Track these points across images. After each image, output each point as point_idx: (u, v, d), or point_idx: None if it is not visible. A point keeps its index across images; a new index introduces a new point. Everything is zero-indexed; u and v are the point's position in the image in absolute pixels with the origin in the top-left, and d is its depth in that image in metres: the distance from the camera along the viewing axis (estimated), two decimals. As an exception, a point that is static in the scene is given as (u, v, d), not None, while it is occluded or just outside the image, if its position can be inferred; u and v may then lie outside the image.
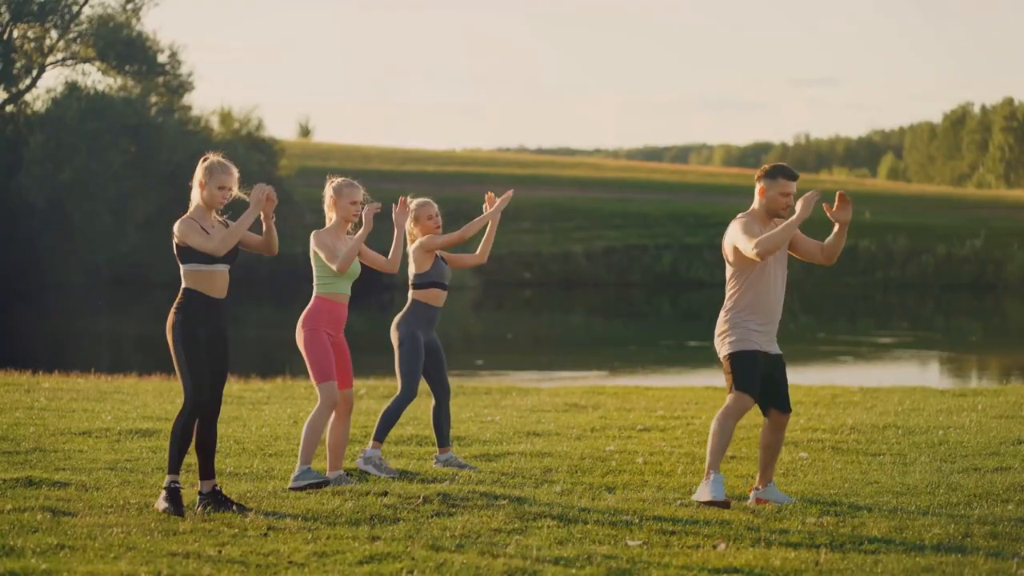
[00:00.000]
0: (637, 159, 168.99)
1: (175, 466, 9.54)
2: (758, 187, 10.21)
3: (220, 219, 9.84)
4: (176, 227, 9.61)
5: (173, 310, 9.64)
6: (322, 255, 10.75)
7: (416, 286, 11.87)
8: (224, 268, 9.72)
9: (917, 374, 31.99)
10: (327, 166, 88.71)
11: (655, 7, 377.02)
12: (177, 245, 9.64)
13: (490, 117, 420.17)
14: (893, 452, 12.68)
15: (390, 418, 11.76)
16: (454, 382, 22.14)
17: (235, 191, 9.78)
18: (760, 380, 9.97)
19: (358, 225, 10.99)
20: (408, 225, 11.85)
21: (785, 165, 10.23)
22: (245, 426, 14.64)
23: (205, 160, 9.76)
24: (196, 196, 9.75)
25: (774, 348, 10.13)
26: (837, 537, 8.68)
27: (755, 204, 10.23)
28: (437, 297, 11.89)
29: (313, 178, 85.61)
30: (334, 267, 10.66)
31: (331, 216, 11.00)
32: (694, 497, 9.84)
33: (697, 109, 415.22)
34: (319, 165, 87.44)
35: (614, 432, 14.45)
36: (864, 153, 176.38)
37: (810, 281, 74.11)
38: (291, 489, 10.45)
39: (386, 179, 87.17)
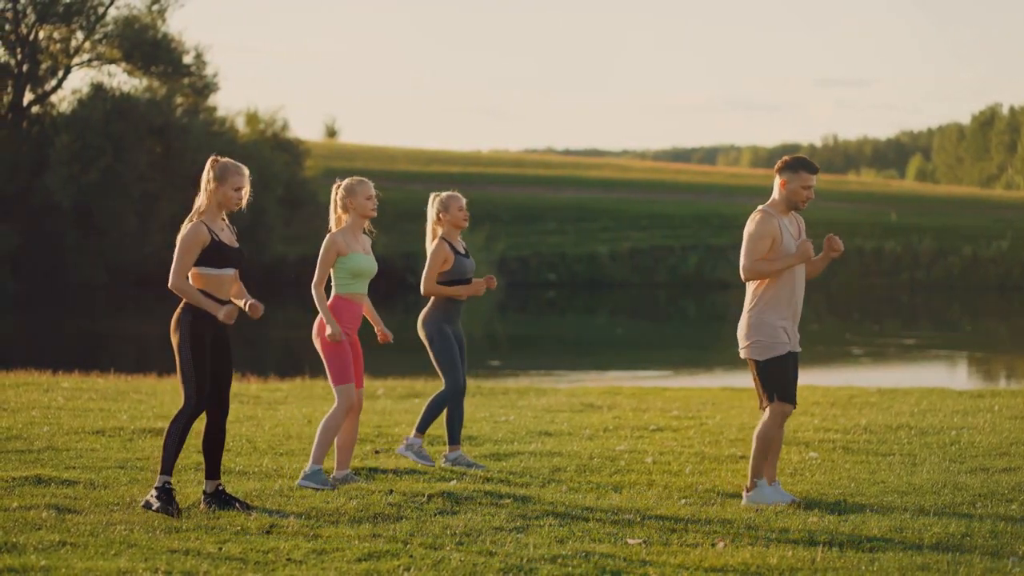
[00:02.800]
0: (665, 160, 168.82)
1: (169, 467, 9.51)
2: (778, 180, 10.20)
3: (228, 224, 9.86)
4: (182, 233, 9.59)
5: (181, 308, 9.61)
6: (330, 267, 10.75)
7: (442, 284, 11.92)
8: (233, 273, 9.71)
9: (939, 375, 31.87)
10: (353, 167, 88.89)
11: (684, 8, 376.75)
12: None
13: (517, 118, 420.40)
14: (903, 452, 12.66)
15: (434, 411, 11.83)
16: (473, 383, 22.20)
17: (248, 190, 9.79)
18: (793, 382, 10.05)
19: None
20: (433, 217, 11.92)
21: (806, 158, 10.21)
22: (259, 425, 14.67)
23: (216, 162, 9.73)
24: (204, 198, 9.69)
25: (797, 346, 10.15)
26: (837, 536, 8.68)
27: (775, 196, 10.24)
28: (460, 292, 11.95)
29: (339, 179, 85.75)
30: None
31: (344, 217, 10.92)
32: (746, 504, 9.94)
33: (725, 110, 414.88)
34: (345, 166, 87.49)
35: (627, 432, 14.45)
36: (892, 154, 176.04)
37: (835, 282, 73.98)
38: (299, 485, 10.47)
39: (412, 180, 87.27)
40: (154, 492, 9.46)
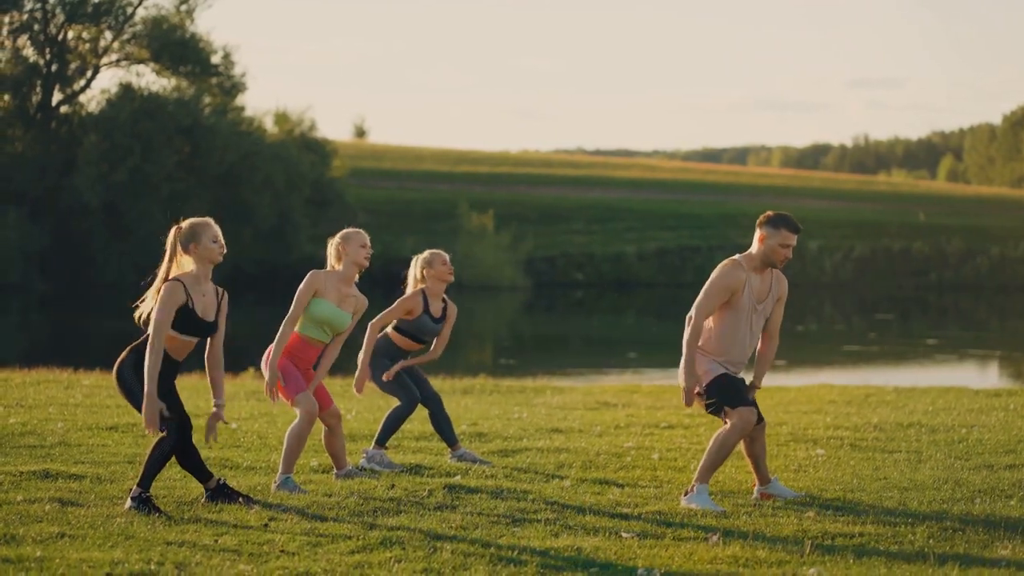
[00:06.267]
0: (695, 161, 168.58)
1: (147, 483, 9.35)
2: (758, 233, 9.88)
3: (215, 288, 9.73)
4: (161, 292, 9.51)
5: (131, 349, 9.50)
6: (303, 305, 10.44)
7: (396, 328, 11.91)
8: (194, 340, 9.60)
9: (960, 375, 31.80)
10: (381, 167, 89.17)
11: (716, 8, 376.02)
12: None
13: (548, 119, 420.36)
14: (910, 449, 12.66)
15: (392, 425, 11.87)
16: (491, 381, 22.27)
17: (222, 239, 9.65)
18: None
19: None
20: (417, 275, 11.89)
21: (789, 216, 9.90)
22: (272, 422, 14.75)
23: (180, 228, 9.68)
24: (186, 262, 9.66)
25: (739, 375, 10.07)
26: (830, 530, 8.71)
27: (753, 249, 9.94)
28: (409, 345, 11.94)
29: (367, 179, 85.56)
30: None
31: (337, 267, 10.66)
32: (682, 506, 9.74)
33: (757, 110, 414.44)
34: (373, 166, 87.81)
35: (637, 429, 14.47)
36: (923, 154, 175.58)
37: (863, 282, 73.87)
38: (274, 491, 10.33)
39: (440, 180, 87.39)
40: (131, 502, 9.33)
